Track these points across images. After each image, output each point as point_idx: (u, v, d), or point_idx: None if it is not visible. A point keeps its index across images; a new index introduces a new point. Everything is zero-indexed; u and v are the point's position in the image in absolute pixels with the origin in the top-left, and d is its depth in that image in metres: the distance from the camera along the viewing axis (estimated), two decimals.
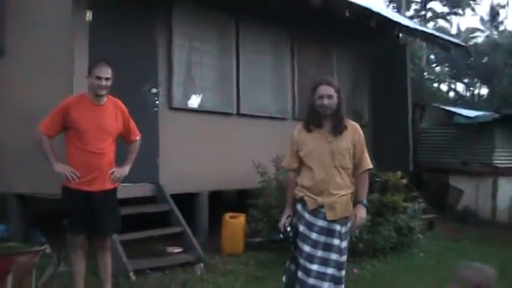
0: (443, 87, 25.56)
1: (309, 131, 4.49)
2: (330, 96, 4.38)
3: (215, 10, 8.31)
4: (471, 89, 28.52)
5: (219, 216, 7.76)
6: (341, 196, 4.38)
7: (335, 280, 4.34)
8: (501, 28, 29.66)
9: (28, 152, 6.93)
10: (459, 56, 17.36)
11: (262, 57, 9.20)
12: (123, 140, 5.20)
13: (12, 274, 3.07)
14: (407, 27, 10.61)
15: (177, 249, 7.03)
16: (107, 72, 4.86)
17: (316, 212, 4.37)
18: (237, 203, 9.67)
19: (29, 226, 7.61)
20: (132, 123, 5.18)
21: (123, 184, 5.21)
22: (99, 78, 4.84)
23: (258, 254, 7.31)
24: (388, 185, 8.15)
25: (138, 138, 5.24)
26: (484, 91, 27.76)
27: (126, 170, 5.11)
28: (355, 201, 4.56)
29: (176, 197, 7.39)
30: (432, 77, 21.09)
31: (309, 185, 4.41)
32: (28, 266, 3.34)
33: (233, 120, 8.66)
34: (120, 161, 5.13)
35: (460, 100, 24.99)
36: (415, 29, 11.01)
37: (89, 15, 6.64)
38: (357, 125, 4.56)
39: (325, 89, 4.41)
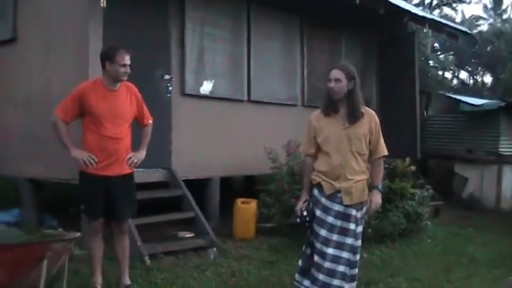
0: (448, 75, 25.59)
1: (326, 115, 4.55)
2: (337, 80, 4.44)
3: None
4: (475, 77, 28.50)
5: (228, 202, 7.85)
6: (357, 181, 4.45)
7: (350, 264, 4.43)
8: (505, 16, 29.58)
9: (41, 137, 7.01)
10: (465, 44, 17.36)
11: (273, 43, 9.25)
12: (136, 125, 5.26)
13: (47, 260, 3.11)
14: (415, 15, 10.62)
15: (189, 234, 7.10)
16: (127, 59, 4.92)
17: (332, 197, 4.44)
18: (245, 189, 9.76)
19: (41, 211, 7.69)
20: (145, 108, 5.22)
21: (136, 169, 5.26)
22: (124, 65, 4.90)
23: (270, 238, 7.40)
24: (397, 171, 8.23)
25: (150, 121, 5.29)
26: (488, 79, 27.77)
27: (143, 154, 5.17)
28: (371, 187, 4.64)
29: (188, 183, 7.46)
30: (437, 65, 21.12)
31: (326, 170, 4.48)
32: (62, 252, 3.39)
33: (244, 107, 8.71)
34: (133, 145, 5.19)
35: (464, 88, 24.97)
36: (424, 17, 11.02)
37: (103, 1, 6.66)
38: (373, 112, 4.63)
39: (334, 73, 4.48)
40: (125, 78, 4.97)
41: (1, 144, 8.05)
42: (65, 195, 8.46)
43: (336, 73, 4.48)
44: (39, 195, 7.81)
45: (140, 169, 5.73)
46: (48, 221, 7.48)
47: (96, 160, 4.85)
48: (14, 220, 7.55)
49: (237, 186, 10.66)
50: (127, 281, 5.15)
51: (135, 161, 5.06)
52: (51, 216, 7.58)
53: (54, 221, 7.39)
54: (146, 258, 6.03)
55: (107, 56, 4.97)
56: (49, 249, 3.14)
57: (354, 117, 4.47)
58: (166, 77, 7.54)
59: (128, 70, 4.92)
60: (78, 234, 3.89)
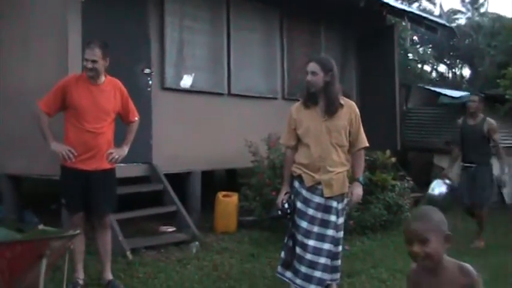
0: (427, 68, 25.76)
1: (306, 107, 4.56)
2: (313, 73, 4.47)
3: None
4: (453, 70, 28.72)
5: (209, 196, 7.85)
6: (338, 173, 4.47)
7: (332, 255, 4.45)
8: (482, 10, 29.80)
9: (20, 132, 6.96)
10: (443, 37, 17.49)
11: (253, 36, 9.24)
12: (121, 121, 5.25)
13: (46, 258, 3.10)
14: (395, 8, 10.69)
15: (171, 228, 7.10)
16: (93, 54, 4.86)
17: (313, 189, 4.46)
18: (226, 183, 9.76)
19: (22, 207, 7.63)
20: (131, 104, 5.23)
21: (117, 164, 5.25)
22: (86, 60, 4.90)
23: (251, 232, 7.43)
24: (377, 163, 8.29)
25: (136, 118, 5.28)
26: (466, 72, 27.99)
27: (124, 150, 5.15)
28: (352, 179, 4.67)
29: (169, 177, 7.45)
30: (416, 58, 21.23)
31: (306, 162, 4.50)
32: (61, 250, 3.37)
33: (224, 100, 8.69)
34: (117, 142, 5.18)
35: (443, 81, 25.16)
36: (403, 10, 11.09)
37: None
38: (353, 104, 4.65)
39: (310, 66, 4.52)
40: (89, 73, 4.91)
41: None
42: (46, 191, 8.39)
43: (311, 66, 4.52)
44: (19, 191, 7.75)
45: (121, 164, 5.71)
46: (29, 217, 7.40)
47: (75, 154, 4.83)
48: None
49: (219, 180, 10.66)
50: (109, 276, 5.14)
51: (116, 156, 5.04)
52: (31, 213, 7.51)
53: (35, 217, 7.31)
54: (128, 253, 6.03)
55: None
56: (48, 247, 3.12)
57: (332, 109, 4.49)
58: (147, 71, 7.51)
59: (89, 65, 4.86)
60: (78, 231, 3.86)
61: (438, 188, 7.57)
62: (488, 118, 7.36)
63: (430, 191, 7.59)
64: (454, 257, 2.58)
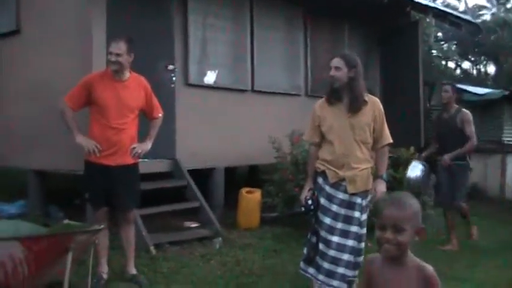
0: (451, 64, 25.47)
1: (330, 104, 4.56)
2: (337, 68, 4.46)
3: None
4: (478, 66, 28.38)
5: (232, 192, 7.87)
6: (362, 170, 4.47)
7: (355, 252, 4.44)
8: (508, 6, 29.40)
9: (46, 128, 7.05)
10: (468, 33, 17.29)
11: (276, 33, 9.22)
12: (145, 117, 5.29)
13: (71, 252, 3.15)
14: (419, 4, 10.59)
15: (194, 224, 7.14)
16: (117, 47, 4.93)
17: (337, 185, 4.46)
18: (249, 179, 9.77)
19: (47, 202, 7.72)
20: (155, 100, 5.27)
21: (141, 160, 5.29)
22: (110, 53, 4.96)
23: (274, 228, 7.45)
24: (401, 160, 8.22)
25: (160, 115, 5.32)
26: (491, 69, 27.64)
27: (148, 145, 5.20)
28: (375, 175, 4.66)
29: (193, 173, 7.48)
30: (440, 55, 21.00)
31: (330, 158, 4.50)
32: (86, 244, 3.42)
33: (248, 97, 8.70)
34: (141, 137, 5.22)
35: (467, 78, 24.88)
36: (427, 6, 10.99)
37: None
38: (377, 100, 4.63)
39: (335, 61, 4.51)
40: (112, 67, 4.97)
41: (7, 136, 8.08)
42: (71, 186, 8.48)
43: (336, 61, 4.51)
44: (44, 186, 7.84)
45: (145, 159, 5.76)
46: (54, 212, 7.51)
47: (100, 149, 4.88)
48: (20, 212, 7.60)
49: (242, 176, 10.67)
50: (132, 270, 5.19)
51: (139, 151, 5.09)
52: (56, 208, 7.61)
53: (60, 212, 7.42)
54: (152, 248, 6.07)
55: None
56: (73, 241, 3.16)
57: (356, 106, 4.48)
58: (170, 67, 7.54)
59: (112, 58, 4.92)
60: (102, 226, 3.90)
61: (414, 170, 7.27)
62: (463, 110, 7.05)
63: (408, 173, 7.30)
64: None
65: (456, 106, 7.09)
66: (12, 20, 7.92)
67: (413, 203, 2.46)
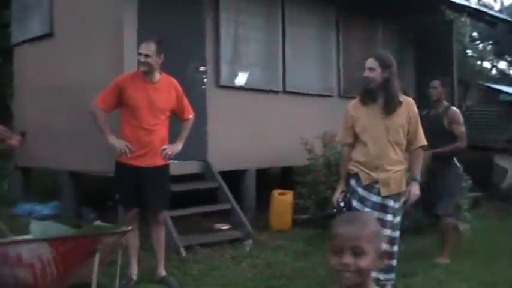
0: (487, 65, 25.06)
1: (363, 104, 4.49)
2: (371, 69, 4.40)
3: None
4: None
5: (264, 193, 7.82)
6: (395, 172, 4.39)
7: (388, 255, 4.35)
8: None
9: (79, 130, 7.10)
10: (504, 33, 17.00)
11: (308, 32, 9.14)
12: (176, 118, 5.28)
13: (99, 253, 3.15)
14: (453, 3, 10.43)
15: (226, 226, 7.11)
16: (147, 49, 4.93)
17: (370, 187, 4.39)
18: (282, 181, 9.71)
19: (80, 203, 7.77)
20: (186, 102, 5.25)
21: (172, 161, 5.29)
22: (139, 54, 4.97)
23: (306, 230, 7.36)
24: None
25: (191, 116, 5.31)
26: None
27: (178, 147, 5.19)
28: (409, 178, 4.57)
29: (224, 175, 7.45)
30: (475, 55, 20.66)
31: (363, 160, 4.43)
32: (114, 246, 3.42)
33: (279, 98, 8.64)
34: (171, 138, 5.21)
35: (504, 78, 24.44)
36: (462, 5, 10.81)
37: None
38: (412, 101, 4.55)
39: (369, 62, 4.45)
40: (142, 68, 4.98)
41: (41, 138, 8.17)
42: (104, 187, 8.55)
43: (370, 61, 4.45)
44: (78, 187, 7.90)
45: (176, 161, 5.75)
46: (87, 213, 7.56)
47: (132, 149, 4.89)
48: (53, 212, 7.68)
49: (275, 178, 10.62)
50: (162, 272, 5.18)
51: (169, 153, 5.09)
52: (89, 209, 7.66)
53: (92, 214, 7.46)
54: (182, 249, 6.05)
55: None
56: (101, 243, 3.16)
57: (391, 107, 4.41)
58: (202, 68, 7.52)
59: (141, 59, 4.93)
60: (130, 228, 3.90)
61: None
62: (452, 107, 6.45)
63: None
64: None
65: (446, 104, 6.46)
66: (45, 23, 8.04)
67: (373, 221, 2.09)
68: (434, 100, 6.47)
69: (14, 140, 3.40)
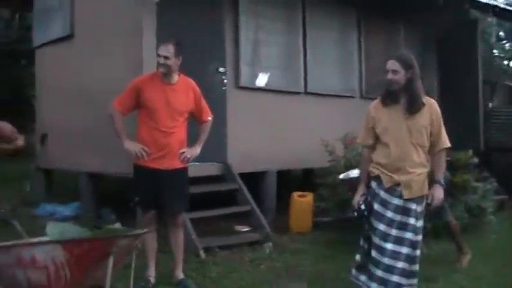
0: None
1: (385, 105, 4.40)
2: (394, 72, 4.30)
3: None
4: None
5: (285, 195, 7.75)
6: (418, 174, 4.30)
7: (410, 260, 4.27)
8: None
9: (98, 132, 7.10)
10: None
11: (329, 34, 9.08)
12: (194, 120, 5.23)
13: (113, 256, 3.13)
14: (478, 2, 10.25)
15: (245, 228, 7.06)
16: (166, 50, 4.90)
17: (391, 190, 4.30)
18: (303, 183, 9.64)
19: (100, 204, 7.78)
20: (204, 103, 5.21)
21: (192, 163, 5.26)
22: (158, 55, 4.94)
23: (326, 233, 7.28)
24: (459, 164, 7.94)
25: (210, 118, 5.26)
26: None
27: (197, 150, 5.16)
28: (431, 180, 4.46)
29: (244, 176, 7.40)
30: (502, 55, 20.41)
31: (385, 162, 4.34)
32: (129, 248, 3.39)
33: (301, 99, 8.57)
34: (191, 140, 5.17)
35: None
36: (487, 4, 10.62)
37: None
38: (435, 102, 4.46)
39: (390, 64, 4.35)
40: (161, 69, 4.94)
41: (61, 140, 8.21)
42: (124, 189, 8.57)
43: (392, 64, 4.34)
44: (97, 189, 7.92)
45: (196, 163, 5.72)
46: (107, 214, 7.56)
47: (148, 152, 4.87)
48: (74, 214, 7.71)
49: (297, 180, 10.55)
50: (180, 275, 5.15)
51: (188, 156, 5.06)
52: (109, 210, 7.66)
53: (112, 215, 7.46)
54: (201, 251, 6.03)
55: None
56: (115, 245, 3.14)
57: (414, 107, 4.31)
58: (221, 69, 7.49)
59: (161, 61, 4.90)
60: (145, 230, 3.88)
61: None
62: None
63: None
64: None
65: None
66: (66, 25, 8.08)
67: None
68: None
69: (20, 140, 3.37)
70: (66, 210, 7.78)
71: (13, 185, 9.15)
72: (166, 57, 4.88)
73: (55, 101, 8.51)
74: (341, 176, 6.61)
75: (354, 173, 6.33)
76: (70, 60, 8.06)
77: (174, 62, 4.92)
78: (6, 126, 3.28)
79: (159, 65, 4.95)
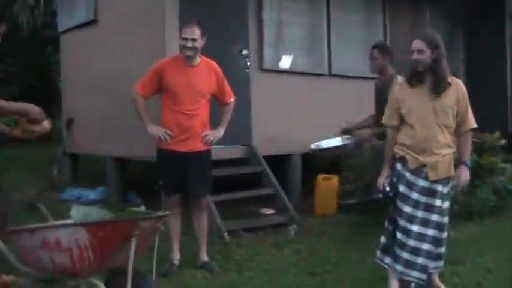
0: None
1: (411, 85, 4.33)
2: (420, 51, 4.22)
3: None
4: None
5: (310, 177, 7.72)
6: (444, 156, 4.23)
7: (436, 242, 4.24)
8: None
9: (123, 116, 7.12)
10: None
11: (354, 15, 8.97)
12: (217, 102, 5.21)
13: (136, 238, 3.14)
14: None
15: (270, 211, 7.07)
16: (193, 33, 4.86)
17: (417, 172, 4.24)
18: (328, 165, 9.58)
19: (126, 188, 7.84)
20: (226, 85, 5.19)
21: (216, 146, 5.26)
22: (185, 39, 4.88)
23: (351, 215, 7.23)
24: (485, 146, 7.83)
25: (232, 100, 5.24)
26: None
27: (220, 132, 5.15)
28: (458, 162, 4.40)
29: (268, 159, 7.39)
30: None
31: (410, 143, 4.28)
32: (152, 231, 3.40)
33: (325, 81, 8.50)
34: (213, 123, 5.16)
35: None
36: None
37: None
38: (461, 83, 4.38)
39: (416, 44, 4.27)
40: (188, 53, 4.90)
41: (86, 124, 8.27)
42: (150, 172, 8.62)
43: (417, 43, 4.26)
44: (123, 173, 7.97)
45: (220, 146, 5.71)
46: (132, 198, 7.63)
47: (171, 135, 4.87)
48: (100, 197, 7.79)
49: (323, 162, 10.49)
50: (204, 257, 5.17)
51: (211, 138, 5.06)
52: (135, 194, 7.71)
53: (138, 198, 7.52)
54: (225, 234, 6.04)
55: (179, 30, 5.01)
56: (136, 227, 3.15)
57: (440, 88, 4.23)
58: (245, 52, 7.45)
59: (190, 44, 4.84)
60: (167, 212, 3.89)
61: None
62: (399, 77, 5.41)
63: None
64: None
65: (391, 73, 5.73)
66: (90, 10, 8.09)
67: None
68: (378, 72, 5.88)
69: (47, 123, 3.40)
70: (92, 194, 7.86)
71: (41, 170, 9.27)
72: (194, 40, 4.84)
73: (80, 85, 8.57)
74: (312, 146, 6.60)
75: (330, 142, 6.28)
76: (94, 45, 8.09)
77: (200, 43, 4.91)
78: (34, 108, 3.31)
79: (186, 48, 4.89)
